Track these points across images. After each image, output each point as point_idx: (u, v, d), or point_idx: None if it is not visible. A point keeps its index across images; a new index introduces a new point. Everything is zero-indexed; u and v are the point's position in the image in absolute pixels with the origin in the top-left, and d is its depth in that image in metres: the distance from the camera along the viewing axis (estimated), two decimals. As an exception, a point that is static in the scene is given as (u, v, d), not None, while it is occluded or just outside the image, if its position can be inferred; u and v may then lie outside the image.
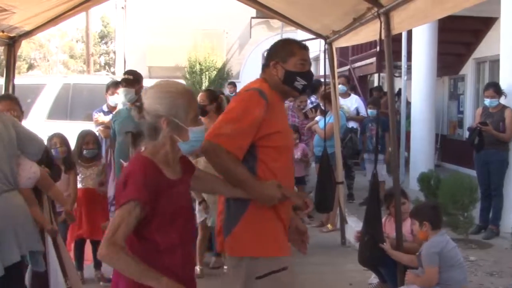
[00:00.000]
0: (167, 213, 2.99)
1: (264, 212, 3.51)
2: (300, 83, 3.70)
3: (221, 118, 3.60)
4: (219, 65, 26.76)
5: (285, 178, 3.64)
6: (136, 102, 3.14)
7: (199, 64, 26.07)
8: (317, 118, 9.73)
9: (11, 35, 7.03)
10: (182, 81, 24.15)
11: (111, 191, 5.09)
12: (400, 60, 13.17)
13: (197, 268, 6.84)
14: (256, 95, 3.55)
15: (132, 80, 6.48)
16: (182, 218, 3.10)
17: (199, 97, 7.21)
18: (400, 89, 14.50)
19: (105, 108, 8.56)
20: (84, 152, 6.71)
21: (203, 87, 25.00)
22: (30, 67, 64.40)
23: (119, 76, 11.92)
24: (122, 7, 28.70)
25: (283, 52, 3.73)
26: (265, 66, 3.80)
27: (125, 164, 5.12)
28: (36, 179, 4.89)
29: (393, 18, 5.49)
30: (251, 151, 3.53)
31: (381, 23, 5.60)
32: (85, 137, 6.78)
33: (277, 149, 3.58)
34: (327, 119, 8.56)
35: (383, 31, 5.61)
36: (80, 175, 6.58)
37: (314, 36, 9.07)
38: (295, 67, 3.69)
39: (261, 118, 3.48)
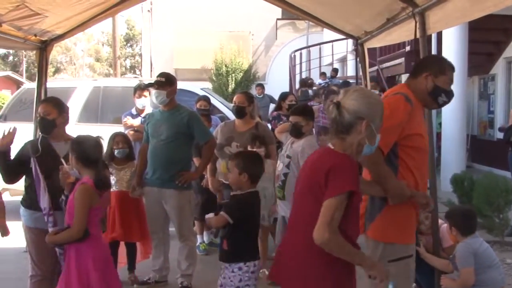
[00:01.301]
0: (355, 209, 3.37)
1: (403, 203, 3.90)
2: (442, 99, 4.12)
3: None
4: (245, 67, 26.75)
5: (421, 176, 4.04)
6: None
7: (225, 66, 26.09)
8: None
9: (43, 39, 7.06)
10: (208, 83, 24.32)
11: (44, 202, 4.92)
12: (430, 60, 13.02)
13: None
14: (403, 99, 3.93)
15: (164, 82, 6.44)
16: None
17: (238, 99, 7.13)
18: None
19: (134, 111, 8.55)
20: (115, 152, 6.70)
21: (230, 89, 25.03)
22: (57, 70, 65.09)
23: (147, 79, 11.93)
24: (148, 10, 28.82)
25: (437, 68, 4.11)
26: (413, 76, 4.17)
27: (69, 170, 4.89)
28: None
29: (429, 18, 5.41)
30: (393, 150, 3.89)
31: (416, 23, 5.52)
32: (115, 138, 6.78)
33: (416, 149, 3.97)
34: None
35: (418, 31, 5.53)
36: (113, 177, 6.57)
37: (343, 37, 8.99)
38: (443, 84, 4.09)
39: (406, 119, 3.87)
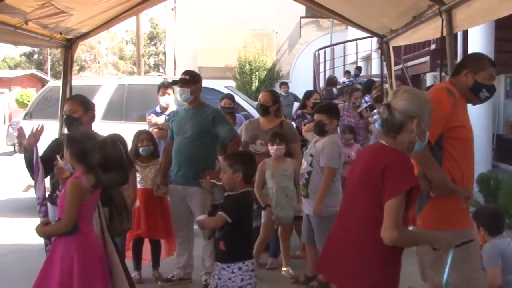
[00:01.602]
0: (413, 203, 3.50)
1: (447, 194, 4.02)
2: (484, 94, 4.25)
3: None
4: (269, 65, 26.77)
5: (466, 167, 4.14)
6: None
7: (249, 64, 26.11)
8: (374, 117, 9.60)
9: (68, 37, 7.11)
10: (232, 82, 24.33)
11: (39, 192, 4.89)
12: (456, 58, 12.88)
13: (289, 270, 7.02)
14: (445, 92, 4.09)
15: (188, 80, 6.45)
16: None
17: (263, 97, 7.16)
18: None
19: (158, 109, 8.57)
20: (140, 150, 6.73)
21: (253, 88, 25.02)
22: (81, 68, 65.62)
23: (171, 77, 11.96)
24: (172, 9, 28.94)
25: (476, 65, 4.22)
26: (455, 74, 4.30)
27: (63, 165, 4.84)
28: None
29: (456, 16, 5.37)
30: (438, 142, 4.00)
31: (442, 21, 5.49)
32: (140, 136, 6.81)
33: (461, 141, 4.08)
34: (383, 119, 8.38)
35: (444, 29, 5.50)
36: (138, 175, 6.59)
37: (367, 35, 8.93)
38: (483, 80, 4.20)
39: (450, 111, 4.00)
